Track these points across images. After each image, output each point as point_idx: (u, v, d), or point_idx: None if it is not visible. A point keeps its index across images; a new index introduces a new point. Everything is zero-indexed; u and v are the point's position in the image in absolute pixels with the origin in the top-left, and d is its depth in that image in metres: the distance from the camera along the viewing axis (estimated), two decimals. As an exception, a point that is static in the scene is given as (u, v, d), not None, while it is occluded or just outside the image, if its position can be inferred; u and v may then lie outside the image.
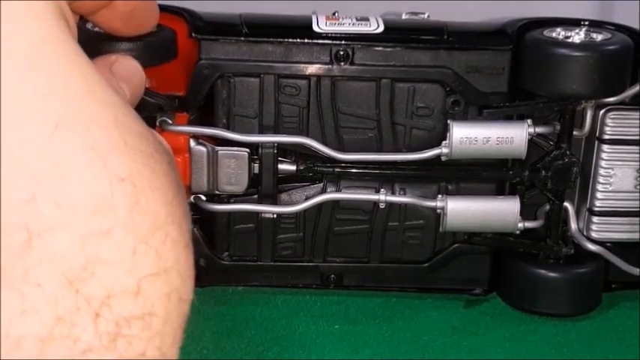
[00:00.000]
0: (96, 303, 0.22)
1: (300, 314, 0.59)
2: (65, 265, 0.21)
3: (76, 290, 0.21)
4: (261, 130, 0.55)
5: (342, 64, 0.54)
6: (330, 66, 0.54)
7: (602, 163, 0.57)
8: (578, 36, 0.53)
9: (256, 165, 0.55)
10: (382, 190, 0.56)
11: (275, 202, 0.56)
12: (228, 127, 0.55)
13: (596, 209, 0.58)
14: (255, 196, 0.56)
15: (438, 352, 0.56)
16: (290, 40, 0.54)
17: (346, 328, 0.58)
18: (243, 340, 0.56)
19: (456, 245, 0.59)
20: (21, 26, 0.22)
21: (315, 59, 0.54)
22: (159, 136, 0.27)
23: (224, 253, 0.58)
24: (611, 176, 0.57)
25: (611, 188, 0.57)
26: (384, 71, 0.55)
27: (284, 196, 0.57)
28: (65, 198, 0.21)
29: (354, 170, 0.56)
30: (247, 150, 0.54)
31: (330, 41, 0.54)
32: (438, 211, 0.56)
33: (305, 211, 0.56)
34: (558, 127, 0.55)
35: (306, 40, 0.54)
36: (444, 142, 0.54)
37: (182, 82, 0.54)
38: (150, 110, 0.51)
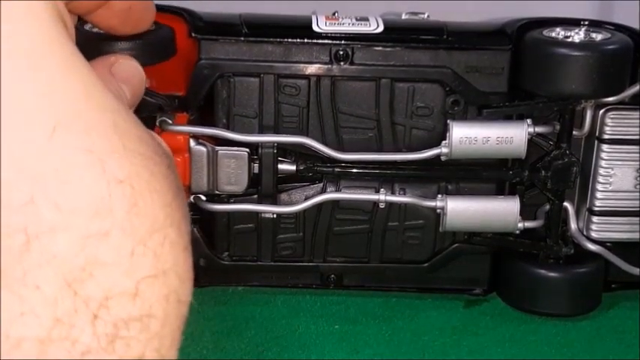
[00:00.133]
0: (94, 305, 0.22)
1: (300, 314, 0.59)
2: (64, 267, 0.21)
3: (74, 292, 0.21)
4: (261, 130, 0.55)
5: (342, 63, 0.54)
6: (329, 66, 0.54)
7: (602, 163, 0.57)
8: (577, 36, 0.53)
9: (256, 165, 0.55)
10: (382, 190, 0.56)
11: (275, 202, 0.56)
12: (228, 127, 0.55)
13: (596, 209, 0.58)
14: (255, 196, 0.56)
15: (438, 352, 0.56)
16: (290, 40, 0.54)
17: (346, 328, 0.58)
18: (243, 340, 0.56)
19: (456, 245, 0.59)
20: (21, 26, 0.22)
21: (314, 59, 0.54)
22: (158, 138, 0.27)
23: (224, 253, 0.58)
24: (611, 176, 0.57)
25: (611, 188, 0.57)
26: (384, 71, 0.55)
27: (284, 196, 0.57)
28: (64, 200, 0.21)
29: (353, 170, 0.56)
30: (247, 150, 0.54)
31: (329, 41, 0.54)
32: (438, 211, 0.56)
33: (305, 211, 0.56)
34: (558, 127, 0.55)
35: (305, 40, 0.54)
36: (443, 142, 0.54)
37: (182, 82, 0.54)
38: (150, 110, 0.51)
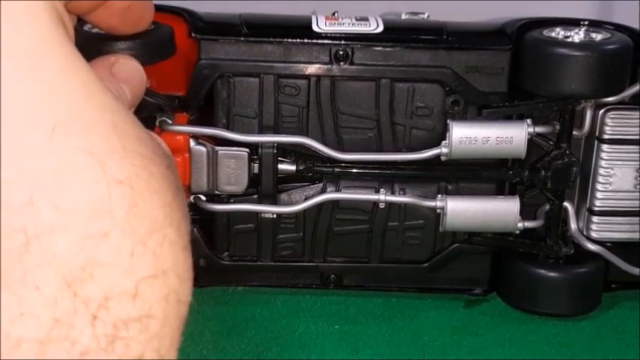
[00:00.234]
0: (94, 305, 0.22)
1: (300, 314, 0.59)
2: (63, 267, 0.21)
3: (73, 292, 0.21)
4: (261, 130, 0.55)
5: (342, 64, 0.54)
6: (329, 66, 0.54)
7: (602, 163, 0.57)
8: (577, 36, 0.53)
9: (256, 165, 0.55)
10: (382, 190, 0.56)
11: (275, 202, 0.56)
12: (227, 127, 0.55)
13: (596, 209, 0.58)
14: (255, 196, 0.56)
15: (438, 352, 0.56)
16: (290, 40, 0.54)
17: (346, 328, 0.58)
18: (243, 340, 0.56)
19: (456, 245, 0.59)
20: (20, 27, 0.22)
21: (314, 59, 0.54)
22: (158, 138, 0.27)
23: (224, 253, 0.58)
24: (610, 176, 0.57)
25: (610, 188, 0.57)
26: (384, 71, 0.55)
27: (284, 196, 0.57)
28: (64, 201, 0.21)
29: (353, 170, 0.56)
30: (247, 150, 0.54)
31: (329, 41, 0.54)
32: (438, 211, 0.56)
33: (305, 211, 0.56)
34: (558, 127, 0.55)
35: (305, 40, 0.54)
36: (443, 141, 0.54)
37: (182, 82, 0.54)
38: (150, 110, 0.51)
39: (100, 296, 0.22)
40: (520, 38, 0.54)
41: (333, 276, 0.60)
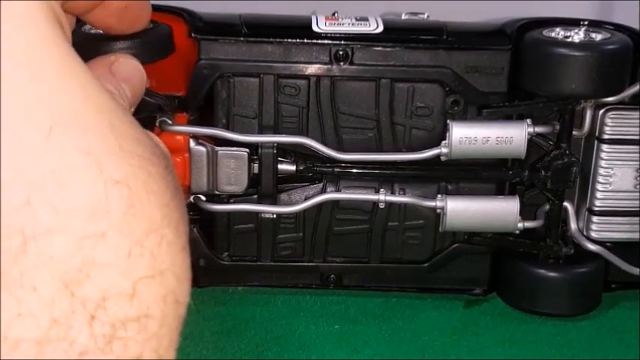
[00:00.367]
0: (91, 305, 0.22)
1: (300, 314, 0.59)
2: (61, 268, 0.21)
3: (71, 293, 0.21)
4: (261, 130, 0.55)
5: (342, 64, 0.54)
6: (329, 66, 0.54)
7: (602, 163, 0.57)
8: (577, 36, 0.53)
9: (256, 165, 0.55)
10: (382, 190, 0.56)
11: (275, 202, 0.56)
12: (227, 127, 0.55)
13: (596, 209, 0.58)
14: (255, 196, 0.56)
15: (438, 352, 0.56)
16: (289, 40, 0.54)
17: (346, 328, 0.58)
18: (243, 340, 0.56)
19: (456, 245, 0.59)
20: (17, 27, 0.22)
21: (314, 59, 0.54)
22: (156, 138, 0.27)
23: (224, 253, 0.58)
24: (610, 176, 0.57)
25: (610, 188, 0.57)
26: (384, 71, 0.55)
27: (284, 196, 0.57)
28: (61, 202, 0.21)
29: (353, 170, 0.56)
30: (247, 150, 0.54)
31: (329, 41, 0.54)
32: (438, 211, 0.56)
33: (305, 211, 0.56)
34: (558, 127, 0.55)
35: (305, 40, 0.54)
36: (443, 142, 0.54)
37: (182, 82, 0.54)
38: (150, 110, 0.51)
39: (97, 296, 0.22)
40: (520, 38, 0.54)
41: (333, 276, 0.60)
